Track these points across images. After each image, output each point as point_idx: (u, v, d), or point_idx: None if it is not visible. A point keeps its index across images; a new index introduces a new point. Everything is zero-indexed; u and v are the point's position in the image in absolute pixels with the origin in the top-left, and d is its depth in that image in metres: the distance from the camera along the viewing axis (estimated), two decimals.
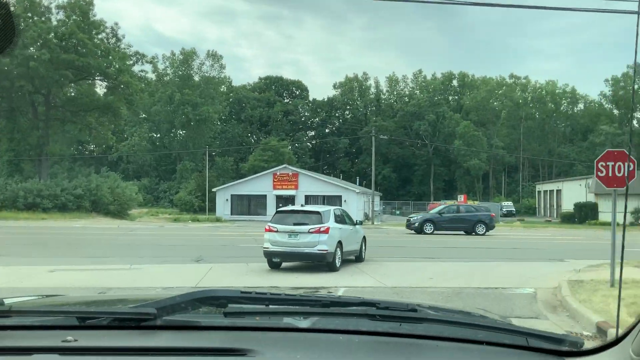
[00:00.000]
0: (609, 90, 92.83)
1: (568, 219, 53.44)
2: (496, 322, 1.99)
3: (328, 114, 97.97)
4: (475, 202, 63.08)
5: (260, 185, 49.44)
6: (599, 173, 11.12)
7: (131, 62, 51.11)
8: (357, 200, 49.85)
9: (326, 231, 13.94)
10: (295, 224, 14.27)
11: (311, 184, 49.87)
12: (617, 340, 1.59)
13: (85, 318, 1.62)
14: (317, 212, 14.68)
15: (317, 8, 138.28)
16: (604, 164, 11.06)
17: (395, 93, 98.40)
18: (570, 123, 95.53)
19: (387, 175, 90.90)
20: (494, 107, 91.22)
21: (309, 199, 49.98)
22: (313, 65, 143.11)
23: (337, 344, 1.58)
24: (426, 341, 1.63)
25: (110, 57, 47.12)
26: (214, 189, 50.20)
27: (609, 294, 9.82)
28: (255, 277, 13.14)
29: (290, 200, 49.99)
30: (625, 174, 10.42)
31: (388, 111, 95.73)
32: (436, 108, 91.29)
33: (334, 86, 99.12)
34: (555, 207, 66.90)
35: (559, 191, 65.73)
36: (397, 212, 75.29)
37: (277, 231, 14.13)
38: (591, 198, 53.64)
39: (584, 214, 51.94)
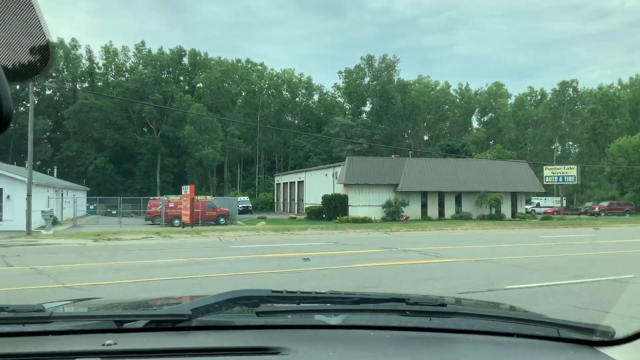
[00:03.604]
0: (343, 83, 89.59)
1: (315, 214, 43.82)
2: (526, 313, 1.91)
3: (22, 88, 74.03)
4: (208, 196, 49.94)
5: None
6: None
7: None
8: (33, 195, 31.65)
9: None
10: None
11: None
12: None
13: (123, 321, 1.59)
14: None
15: None
16: None
17: (113, 67, 79.40)
18: (305, 114, 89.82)
19: (101, 166, 71.87)
20: (230, 91, 79.71)
21: None
22: None
23: (368, 340, 1.55)
24: (456, 335, 1.60)
25: None
26: None
27: None
28: None
29: None
30: None
31: (105, 89, 76.54)
32: (164, 87, 75.69)
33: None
34: (297, 201, 57.72)
35: (301, 182, 56.61)
36: (114, 211, 57.73)
37: None
38: (339, 189, 44.94)
39: (334, 208, 42.75)
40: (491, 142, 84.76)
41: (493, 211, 44.68)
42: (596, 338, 1.59)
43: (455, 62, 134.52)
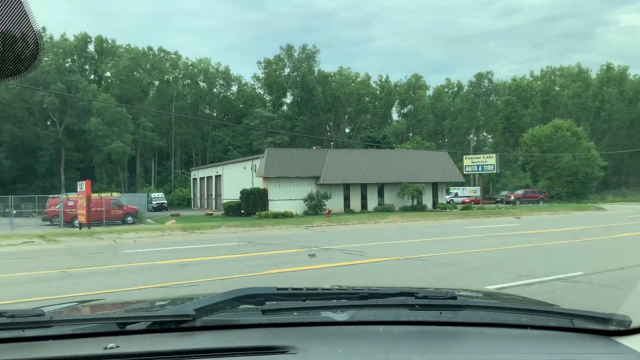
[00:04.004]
0: (262, 73, 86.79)
1: (233, 210, 41.22)
2: (539, 304, 1.87)
3: None
4: (114, 193, 46.10)
5: None
6: None
7: None
8: None
9: None
10: None
11: None
12: None
13: (125, 323, 1.56)
14: None
15: None
16: None
17: None
18: (224, 106, 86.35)
19: None
20: (141, 81, 74.87)
21: None
22: None
23: (377, 336, 1.53)
24: (468, 328, 1.57)
25: None
26: None
27: None
28: None
29: None
30: None
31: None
32: (67, 76, 69.73)
33: None
34: (214, 196, 54.67)
35: (218, 177, 53.61)
36: (14, 211, 52.07)
37: None
38: (259, 183, 42.57)
39: (253, 203, 40.30)
40: (411, 134, 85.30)
41: (415, 202, 43.97)
42: (612, 327, 1.53)
43: (374, 56, 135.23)
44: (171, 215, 42.72)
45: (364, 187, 44.29)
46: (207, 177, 57.37)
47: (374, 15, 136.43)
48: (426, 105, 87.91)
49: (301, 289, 1.71)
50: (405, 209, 42.79)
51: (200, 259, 13.36)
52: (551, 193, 60.21)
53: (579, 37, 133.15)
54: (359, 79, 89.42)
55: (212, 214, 43.30)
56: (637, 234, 18.60)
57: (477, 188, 57.51)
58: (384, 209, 42.71)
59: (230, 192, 46.59)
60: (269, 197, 40.85)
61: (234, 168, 49.70)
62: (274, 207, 39.94)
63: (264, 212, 38.00)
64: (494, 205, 52.22)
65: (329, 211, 36.54)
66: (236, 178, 47.39)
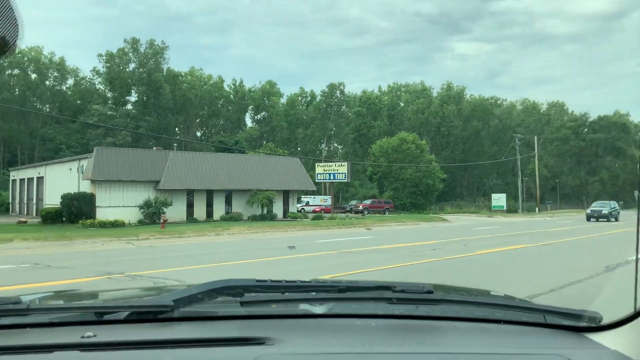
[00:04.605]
0: (104, 67, 78.01)
1: (53, 217, 34.55)
2: (514, 300, 1.90)
3: None
4: None
5: None
6: None
7: None
8: None
9: None
10: None
11: None
12: (637, 314, 1.48)
13: (103, 313, 1.54)
14: None
15: None
16: None
17: None
18: (57, 100, 76.15)
19: None
20: None
21: None
22: None
23: (354, 329, 1.52)
24: (443, 322, 1.58)
25: None
26: None
27: None
28: None
29: None
30: None
31: None
32: None
33: None
34: (35, 201, 46.45)
35: (40, 179, 45.59)
36: None
37: None
38: (86, 187, 36.26)
39: (77, 209, 34.02)
40: (264, 141, 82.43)
41: (265, 211, 40.71)
42: (583, 324, 1.55)
43: (230, 64, 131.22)
44: None
45: (210, 194, 40.01)
46: (29, 178, 48.77)
47: (231, 23, 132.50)
48: (280, 112, 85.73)
49: (280, 281, 1.65)
50: (254, 218, 39.37)
51: None
52: (396, 203, 60.87)
53: (420, 60, 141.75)
54: (211, 82, 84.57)
55: (26, 222, 35.92)
56: (495, 251, 17.03)
57: (328, 197, 56.01)
58: (231, 217, 38.83)
59: (54, 197, 39.41)
60: (97, 204, 34.82)
61: (59, 169, 42.40)
62: (103, 214, 34.08)
63: (89, 221, 32.06)
64: (344, 214, 50.93)
65: (164, 220, 31.73)
66: (61, 180, 40.29)
